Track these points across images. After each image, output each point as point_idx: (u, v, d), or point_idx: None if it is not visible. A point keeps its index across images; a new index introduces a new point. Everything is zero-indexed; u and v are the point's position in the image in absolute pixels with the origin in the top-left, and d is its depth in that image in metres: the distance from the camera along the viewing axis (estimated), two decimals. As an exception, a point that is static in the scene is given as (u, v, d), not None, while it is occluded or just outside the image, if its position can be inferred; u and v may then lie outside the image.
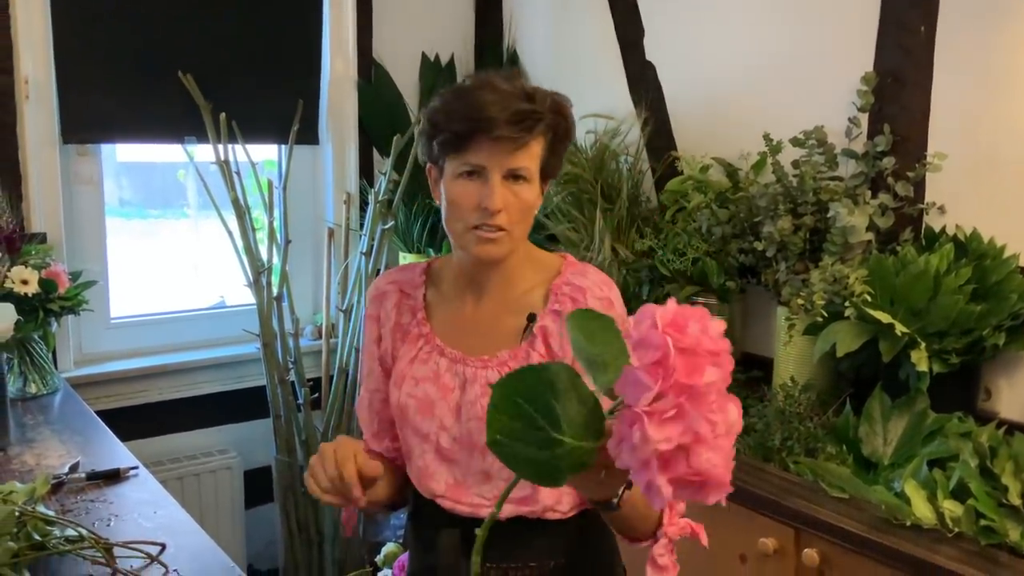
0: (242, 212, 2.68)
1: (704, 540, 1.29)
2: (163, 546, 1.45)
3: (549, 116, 1.28)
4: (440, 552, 1.29)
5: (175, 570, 1.40)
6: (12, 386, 2.26)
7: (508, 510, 1.32)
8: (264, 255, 2.76)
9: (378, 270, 2.86)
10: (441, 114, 1.29)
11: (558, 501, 1.34)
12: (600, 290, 1.34)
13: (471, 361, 1.34)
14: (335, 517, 2.85)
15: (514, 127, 1.25)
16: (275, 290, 2.76)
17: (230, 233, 2.70)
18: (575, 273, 1.36)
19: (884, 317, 1.79)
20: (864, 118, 2.14)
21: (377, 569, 2.14)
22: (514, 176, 1.28)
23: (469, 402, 1.33)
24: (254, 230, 2.75)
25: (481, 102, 1.25)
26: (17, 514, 1.40)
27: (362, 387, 1.47)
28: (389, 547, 2.39)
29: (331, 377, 2.90)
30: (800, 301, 1.94)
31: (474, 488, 1.35)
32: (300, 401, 2.82)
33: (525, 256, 1.38)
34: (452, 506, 1.35)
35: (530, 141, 1.28)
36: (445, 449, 1.35)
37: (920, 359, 1.76)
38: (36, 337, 2.32)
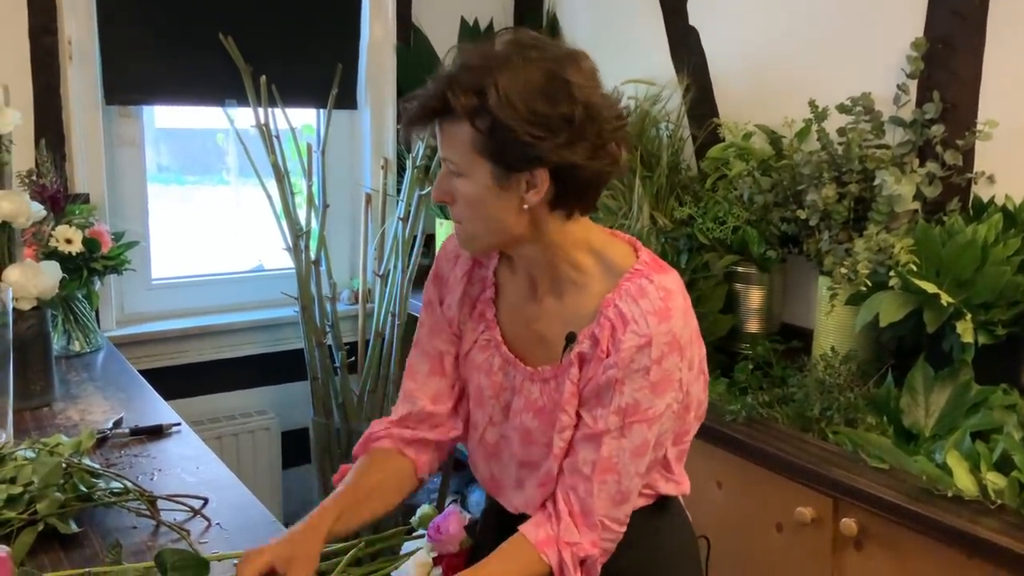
0: (281, 176, 2.69)
1: None
2: (205, 500, 1.47)
3: (462, 98, 1.09)
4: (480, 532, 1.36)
5: (217, 523, 1.42)
6: (56, 344, 2.30)
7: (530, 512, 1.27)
8: (303, 219, 2.77)
9: (415, 236, 2.87)
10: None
11: None
12: (645, 325, 1.14)
13: (520, 368, 1.26)
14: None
15: (419, 119, 1.15)
16: (313, 254, 2.78)
17: (269, 197, 2.72)
18: (628, 293, 1.16)
19: (930, 287, 1.76)
20: (913, 85, 2.10)
21: (412, 530, 2.15)
22: (449, 166, 1.16)
23: (515, 411, 1.26)
24: (293, 194, 2.76)
25: (426, 88, 1.14)
26: (64, 466, 1.43)
27: (413, 352, 1.37)
28: (424, 509, 2.40)
29: (367, 341, 2.92)
30: (843, 270, 1.91)
31: (509, 490, 1.31)
32: (337, 364, 2.85)
33: (586, 252, 1.21)
34: (495, 495, 1.34)
35: (446, 128, 1.13)
36: (489, 443, 1.31)
37: (965, 330, 1.73)
38: (80, 296, 2.35)
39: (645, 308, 1.14)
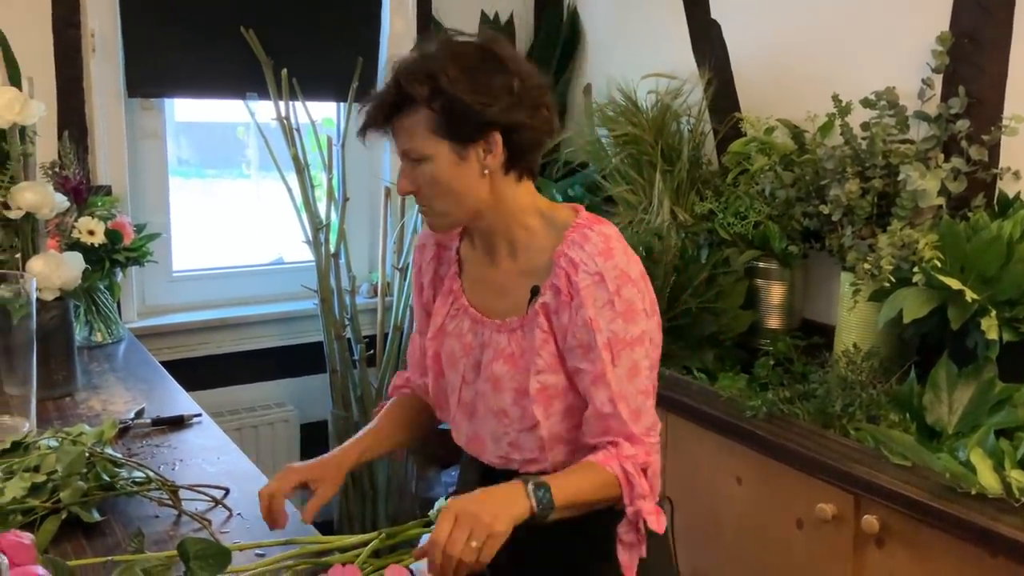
0: (301, 169, 2.70)
1: (659, 527, 1.29)
2: (227, 490, 1.48)
3: (418, 87, 1.24)
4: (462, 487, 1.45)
5: (238, 513, 1.43)
6: (78, 334, 2.31)
7: (515, 467, 1.36)
8: (322, 213, 2.78)
9: (434, 230, 2.87)
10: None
11: (565, 463, 1.34)
12: (593, 264, 1.28)
13: (487, 323, 1.37)
14: (389, 472, 2.88)
15: (376, 119, 1.29)
16: (332, 247, 2.78)
17: (289, 190, 2.73)
18: (574, 242, 1.30)
19: (954, 283, 1.75)
20: (938, 79, 2.08)
21: (430, 523, 2.16)
22: (410, 158, 1.29)
23: (485, 363, 1.37)
24: (313, 188, 2.77)
25: (383, 88, 1.29)
26: (87, 455, 1.44)
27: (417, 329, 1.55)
28: (441, 502, 2.41)
29: (386, 334, 2.92)
30: (867, 266, 1.90)
31: (489, 443, 1.38)
32: (356, 357, 2.85)
33: (534, 214, 1.35)
34: (477, 456, 1.42)
35: (403, 123, 1.27)
36: (465, 402, 1.41)
37: (990, 327, 1.72)
38: (102, 287, 2.37)
39: (590, 251, 1.29)
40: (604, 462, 1.26)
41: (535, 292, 1.32)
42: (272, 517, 1.32)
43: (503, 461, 1.37)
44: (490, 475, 1.38)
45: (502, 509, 1.18)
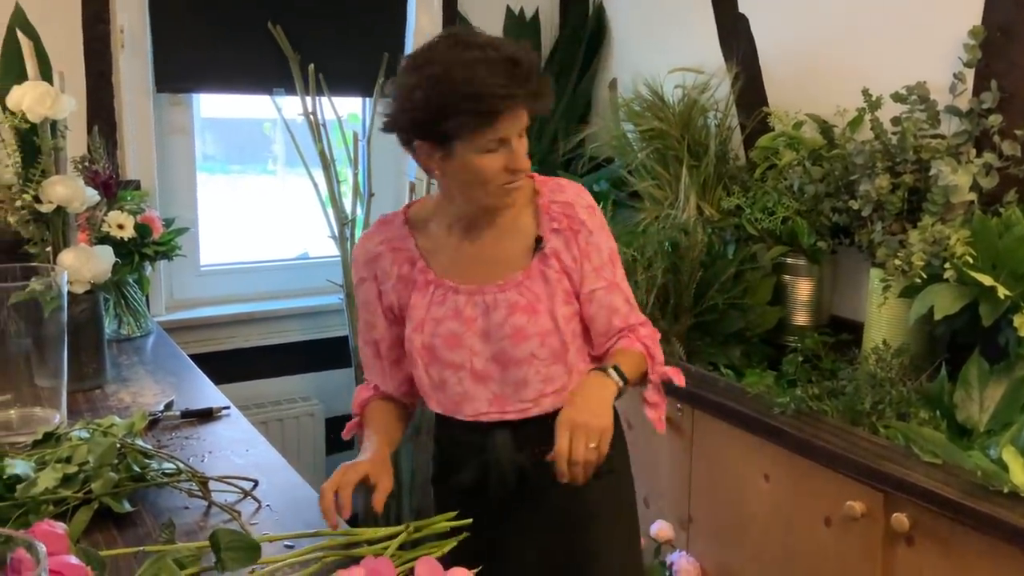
0: (328, 164, 2.71)
1: (680, 381, 1.57)
2: (256, 482, 1.48)
3: (543, 85, 1.42)
4: (494, 449, 1.53)
5: (267, 505, 1.43)
6: (108, 327, 2.33)
7: (549, 403, 1.51)
8: (348, 208, 2.79)
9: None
10: (448, 98, 1.33)
11: (582, 375, 1.53)
12: (583, 198, 1.53)
13: (488, 289, 1.49)
14: (414, 467, 2.89)
15: (530, 96, 1.39)
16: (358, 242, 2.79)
17: (315, 185, 2.73)
18: (553, 190, 1.53)
19: (986, 280, 1.73)
20: (970, 73, 2.05)
21: (456, 517, 2.16)
22: (518, 137, 1.41)
23: (497, 324, 1.48)
24: (339, 182, 2.77)
25: (492, 80, 1.33)
26: (118, 447, 1.45)
27: (361, 341, 1.63)
28: (467, 497, 2.41)
29: (411, 330, 2.92)
30: (897, 262, 1.88)
31: (513, 396, 1.51)
32: (380, 352, 2.86)
33: None
34: (499, 417, 1.52)
35: (519, 110, 1.39)
36: (480, 371, 1.50)
37: (1022, 324, 1.70)
38: (131, 281, 2.39)
39: (572, 192, 1.53)
40: (629, 345, 1.52)
41: (540, 242, 1.50)
42: (340, 506, 1.37)
43: (535, 400, 1.51)
44: (518, 429, 1.53)
45: (598, 403, 1.40)
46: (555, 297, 1.49)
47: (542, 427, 1.47)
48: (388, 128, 1.46)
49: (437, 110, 1.34)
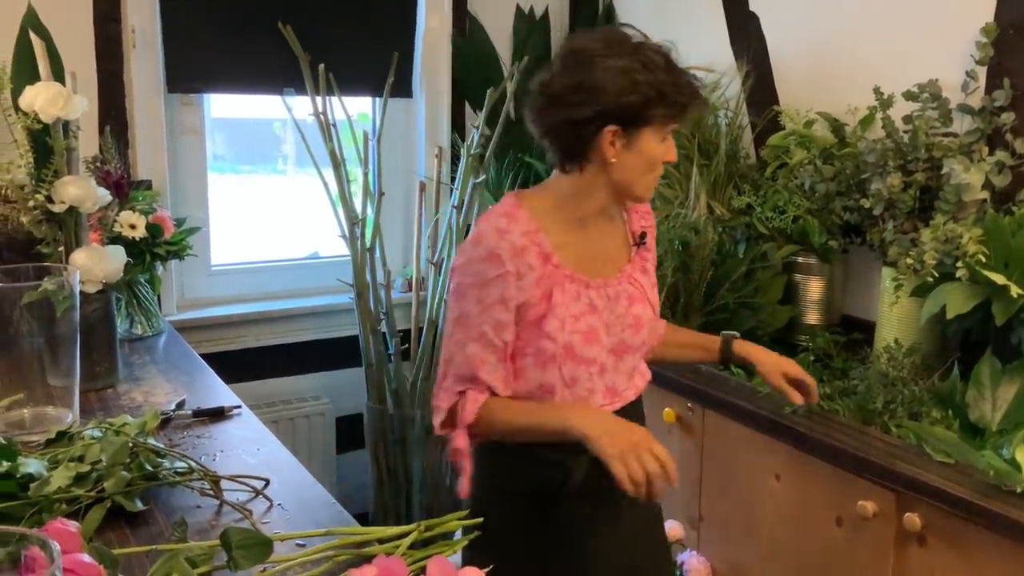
0: (338, 163, 2.71)
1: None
2: (267, 481, 1.48)
3: None
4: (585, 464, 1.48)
5: (279, 504, 1.44)
6: (120, 327, 2.34)
7: (639, 388, 1.63)
8: (358, 207, 2.79)
9: (468, 225, 2.87)
10: (670, 87, 1.40)
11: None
12: (646, 204, 1.65)
13: (610, 282, 1.53)
14: (424, 464, 2.89)
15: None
16: (368, 242, 2.80)
17: (326, 185, 2.74)
18: None
19: (999, 278, 1.72)
20: (982, 71, 2.04)
21: (467, 516, 2.16)
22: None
23: (619, 316, 1.53)
24: (349, 182, 2.78)
25: (690, 79, 1.45)
26: (130, 446, 1.46)
27: (481, 344, 1.47)
28: (477, 496, 2.41)
29: (420, 329, 2.93)
30: (909, 261, 1.87)
31: (622, 385, 1.58)
32: (391, 351, 2.86)
33: None
34: (611, 407, 1.56)
35: None
36: (604, 364, 1.53)
37: (1036, 323, 1.69)
38: (143, 280, 2.39)
39: None
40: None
41: (644, 236, 1.61)
42: (671, 479, 1.37)
43: (635, 388, 1.62)
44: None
45: (615, 423, 1.40)
46: (652, 288, 1.61)
47: (632, 413, 1.58)
48: (578, 109, 1.40)
49: (656, 93, 1.39)
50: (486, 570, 1.13)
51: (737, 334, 1.76)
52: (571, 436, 1.41)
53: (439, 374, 1.54)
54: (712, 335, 1.78)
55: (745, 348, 1.73)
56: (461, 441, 1.49)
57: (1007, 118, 1.96)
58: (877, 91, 2.10)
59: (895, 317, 2.01)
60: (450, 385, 1.51)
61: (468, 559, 1.42)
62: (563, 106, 1.41)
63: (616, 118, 1.40)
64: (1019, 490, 1.48)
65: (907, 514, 1.61)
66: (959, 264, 1.79)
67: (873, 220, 2.06)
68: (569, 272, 1.49)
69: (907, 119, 2.04)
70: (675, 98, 1.41)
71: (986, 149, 1.98)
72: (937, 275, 1.85)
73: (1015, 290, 1.71)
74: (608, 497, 1.50)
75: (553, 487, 1.53)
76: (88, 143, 2.41)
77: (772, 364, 1.71)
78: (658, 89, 1.39)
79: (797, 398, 1.70)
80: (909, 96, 2.05)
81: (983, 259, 1.78)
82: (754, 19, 2.59)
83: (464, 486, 1.50)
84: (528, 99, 1.49)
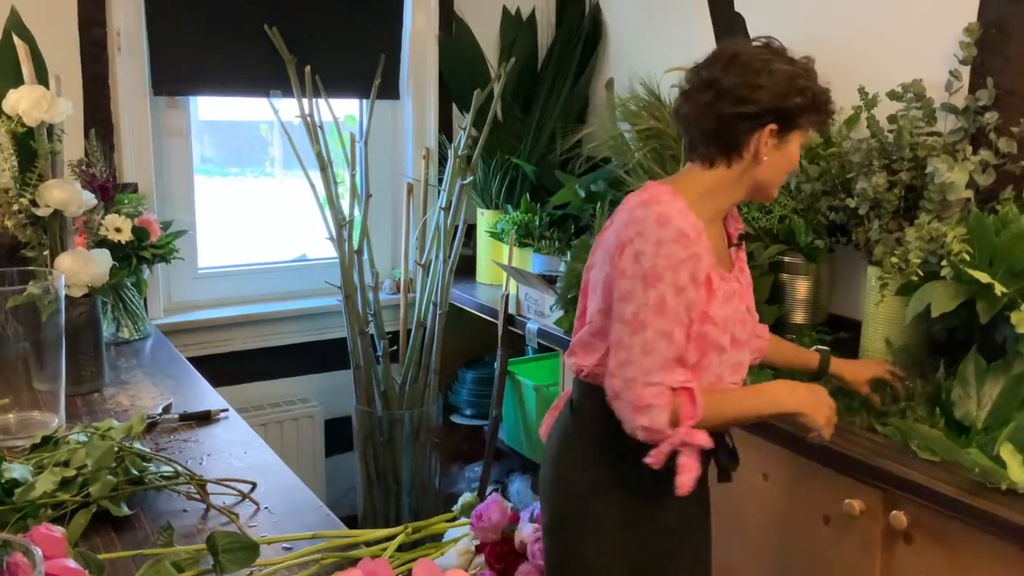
0: (325, 165, 2.71)
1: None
2: (254, 484, 1.48)
3: None
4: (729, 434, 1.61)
5: (266, 507, 1.43)
6: (106, 331, 2.33)
7: (738, 382, 1.61)
8: (345, 209, 2.79)
9: (456, 226, 2.87)
10: (822, 97, 1.53)
11: None
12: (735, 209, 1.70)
13: (730, 277, 1.56)
14: (413, 468, 2.89)
15: None
16: (356, 244, 2.79)
17: (313, 187, 2.73)
18: None
19: (983, 277, 1.73)
20: (965, 71, 2.05)
21: (455, 518, 2.16)
22: None
23: (735, 310, 1.55)
24: (336, 184, 2.78)
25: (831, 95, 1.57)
26: (116, 450, 1.45)
27: (682, 331, 1.44)
28: (466, 497, 2.41)
29: (409, 331, 2.93)
30: (894, 260, 1.88)
31: (727, 379, 1.56)
32: (379, 353, 2.86)
33: None
34: None
35: None
36: (729, 353, 1.56)
37: (1020, 321, 1.69)
38: (129, 284, 2.39)
39: None
40: None
41: (742, 237, 1.66)
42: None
43: (738, 381, 1.61)
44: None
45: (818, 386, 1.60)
46: (749, 287, 1.65)
47: None
48: (749, 104, 1.47)
49: (813, 99, 1.51)
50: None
51: (828, 350, 1.88)
52: (784, 415, 1.56)
53: (634, 369, 1.42)
54: (811, 351, 1.89)
55: (838, 366, 1.85)
56: (701, 437, 1.44)
57: (991, 117, 1.97)
58: (862, 91, 2.11)
59: (881, 316, 2.02)
60: (661, 379, 1.42)
61: (562, 549, 1.60)
62: (736, 101, 1.48)
63: (777, 117, 1.49)
64: (1004, 487, 1.49)
65: (893, 512, 1.62)
66: (943, 263, 1.80)
67: (858, 220, 2.07)
68: (714, 262, 1.51)
69: (892, 119, 2.05)
70: (824, 107, 1.54)
71: (970, 148, 1.99)
72: (922, 274, 1.85)
73: (999, 288, 1.72)
74: (705, 497, 1.67)
75: (667, 483, 1.47)
76: (73, 146, 2.40)
77: (853, 375, 1.85)
78: (815, 97, 1.51)
79: (874, 399, 1.84)
80: (893, 96, 2.06)
81: (967, 258, 1.78)
82: (739, 20, 2.60)
83: (689, 485, 1.46)
84: (687, 95, 1.55)
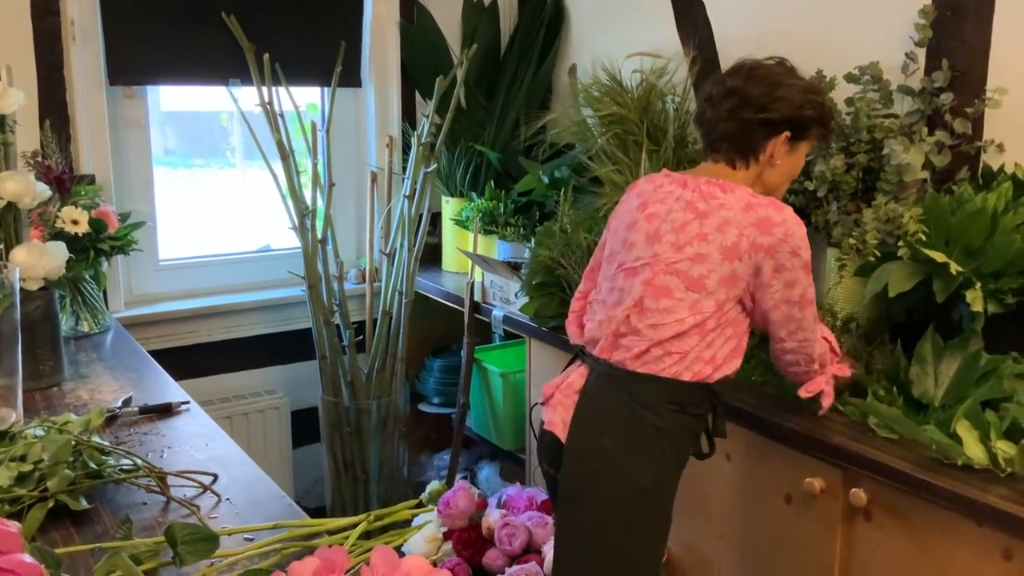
0: (286, 154, 2.68)
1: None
2: (215, 476, 1.47)
3: None
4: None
5: (227, 499, 1.43)
6: (65, 324, 2.31)
7: None
8: (308, 199, 2.77)
9: (420, 214, 2.86)
10: (828, 112, 1.73)
11: None
12: None
13: None
14: (381, 457, 2.88)
15: None
16: (319, 233, 2.77)
17: (274, 176, 2.71)
18: None
19: (939, 256, 1.75)
20: (921, 53, 2.07)
21: (420, 504, 2.17)
22: None
23: None
24: (298, 173, 2.75)
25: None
26: (73, 444, 1.44)
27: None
28: (434, 485, 2.42)
29: (375, 320, 2.92)
30: (852, 241, 1.90)
31: None
32: (345, 343, 2.85)
33: None
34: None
35: None
36: None
37: (975, 299, 1.72)
38: (87, 277, 2.36)
39: None
40: None
41: None
42: None
43: None
44: None
45: None
46: None
47: None
48: (771, 112, 1.65)
49: (823, 113, 1.70)
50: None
51: None
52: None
53: (808, 333, 1.67)
54: None
55: None
56: (847, 369, 1.80)
57: (946, 99, 1.99)
58: (820, 74, 2.12)
59: (840, 296, 2.04)
60: (823, 334, 1.74)
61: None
62: (759, 108, 1.65)
63: (792, 126, 1.66)
64: (960, 463, 1.51)
65: (853, 490, 1.64)
66: (900, 243, 1.82)
67: (817, 202, 2.09)
68: None
69: (849, 101, 2.07)
70: (828, 122, 1.74)
71: (926, 130, 2.01)
72: (879, 254, 1.88)
73: (955, 267, 1.74)
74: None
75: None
76: (28, 138, 2.36)
77: None
78: (823, 111, 1.69)
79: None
80: (850, 79, 2.08)
81: (923, 238, 1.81)
82: (699, 5, 2.61)
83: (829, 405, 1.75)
84: (711, 100, 1.71)
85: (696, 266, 1.59)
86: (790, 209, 1.64)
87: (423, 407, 3.18)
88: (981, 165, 1.98)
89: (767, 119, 1.65)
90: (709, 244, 1.59)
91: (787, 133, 1.66)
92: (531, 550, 2.05)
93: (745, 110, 1.66)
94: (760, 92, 1.66)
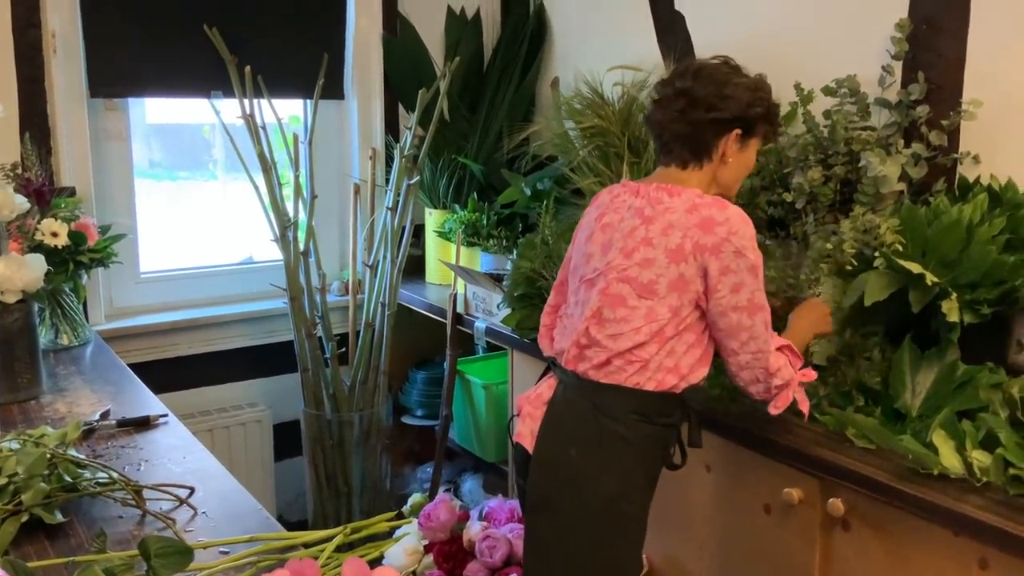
0: (268, 167, 2.68)
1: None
2: (192, 489, 1.47)
3: None
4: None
5: (204, 512, 1.42)
6: (44, 337, 2.30)
7: None
8: (290, 211, 2.76)
9: (404, 226, 2.86)
10: (775, 109, 1.74)
11: None
12: None
13: None
14: (364, 470, 2.87)
15: None
16: (302, 245, 2.77)
17: (257, 188, 2.71)
18: None
19: (915, 267, 1.76)
20: (898, 66, 2.09)
21: (400, 516, 2.16)
22: None
23: None
24: (280, 185, 2.75)
25: None
26: (49, 457, 1.43)
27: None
28: (415, 497, 2.41)
29: (357, 332, 2.91)
30: (829, 246, 1.91)
31: None
32: (327, 356, 2.84)
33: None
34: None
35: None
36: None
37: (951, 310, 1.73)
38: (67, 289, 2.35)
39: None
40: None
41: None
42: None
43: None
44: None
45: None
46: None
47: None
48: (720, 111, 1.65)
49: (770, 110, 1.72)
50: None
51: None
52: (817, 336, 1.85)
53: (760, 343, 1.62)
54: None
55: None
56: (812, 373, 1.76)
57: (922, 111, 2.01)
58: (798, 87, 2.14)
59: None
60: (776, 344, 1.67)
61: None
62: (708, 107, 1.66)
63: (742, 124, 1.67)
64: (936, 473, 1.52)
65: (831, 500, 1.64)
66: (877, 254, 1.83)
67: (796, 213, 2.10)
68: None
69: (827, 114, 2.09)
70: (775, 119, 1.75)
71: (902, 142, 2.03)
72: (856, 264, 1.89)
73: (931, 278, 1.75)
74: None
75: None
76: (8, 150, 2.36)
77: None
78: (769, 108, 1.71)
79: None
80: (828, 91, 2.09)
81: (900, 248, 1.82)
82: (680, 18, 2.63)
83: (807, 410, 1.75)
84: (659, 103, 1.72)
85: (644, 271, 1.60)
86: (736, 208, 1.63)
87: (406, 419, 3.17)
88: (957, 177, 2.00)
89: (717, 118, 1.66)
90: (655, 248, 1.60)
91: (738, 131, 1.68)
92: (512, 562, 2.05)
93: (695, 110, 1.67)
94: (709, 92, 1.66)
